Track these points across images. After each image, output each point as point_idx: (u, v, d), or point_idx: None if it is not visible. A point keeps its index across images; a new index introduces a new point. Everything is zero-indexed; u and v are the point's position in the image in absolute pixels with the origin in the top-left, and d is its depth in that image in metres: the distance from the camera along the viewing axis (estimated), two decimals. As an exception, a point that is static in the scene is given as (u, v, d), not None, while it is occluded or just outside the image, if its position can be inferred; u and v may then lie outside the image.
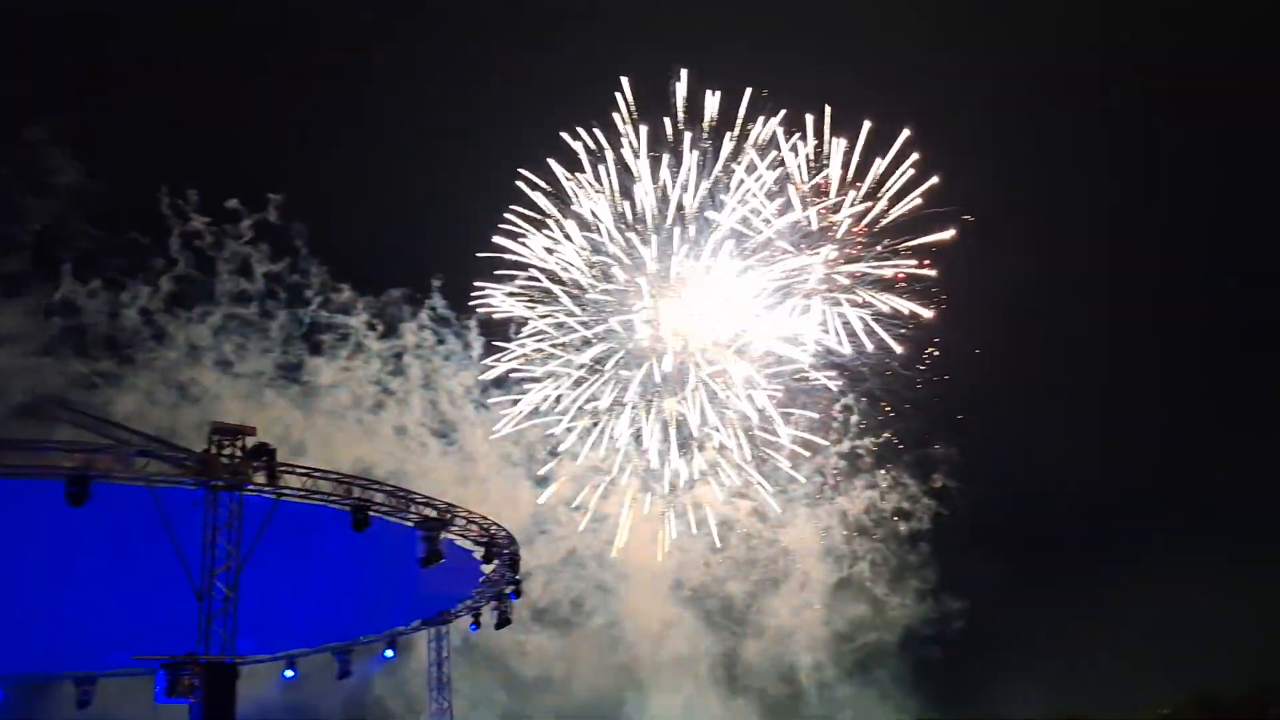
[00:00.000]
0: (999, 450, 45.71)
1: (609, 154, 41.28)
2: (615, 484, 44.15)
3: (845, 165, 41.11)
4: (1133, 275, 50.68)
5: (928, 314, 41.33)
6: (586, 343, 42.64)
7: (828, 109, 40.87)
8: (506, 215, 41.37)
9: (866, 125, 40.81)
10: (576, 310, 42.46)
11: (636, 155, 40.63)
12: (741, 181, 41.33)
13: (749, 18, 47.15)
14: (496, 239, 41.93)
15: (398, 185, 43.28)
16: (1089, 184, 50.50)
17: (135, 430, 26.17)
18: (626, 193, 41.51)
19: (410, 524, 27.19)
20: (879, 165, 40.83)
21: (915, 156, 40.50)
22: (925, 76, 46.83)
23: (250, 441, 23.93)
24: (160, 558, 23.03)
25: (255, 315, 39.57)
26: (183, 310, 38.49)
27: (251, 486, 23.94)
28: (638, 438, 43.60)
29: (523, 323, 42.72)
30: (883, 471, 45.91)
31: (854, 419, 45.13)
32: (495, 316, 42.27)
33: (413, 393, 41.58)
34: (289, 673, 34.93)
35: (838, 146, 40.96)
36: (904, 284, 41.49)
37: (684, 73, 39.88)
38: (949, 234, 40.89)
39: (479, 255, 41.62)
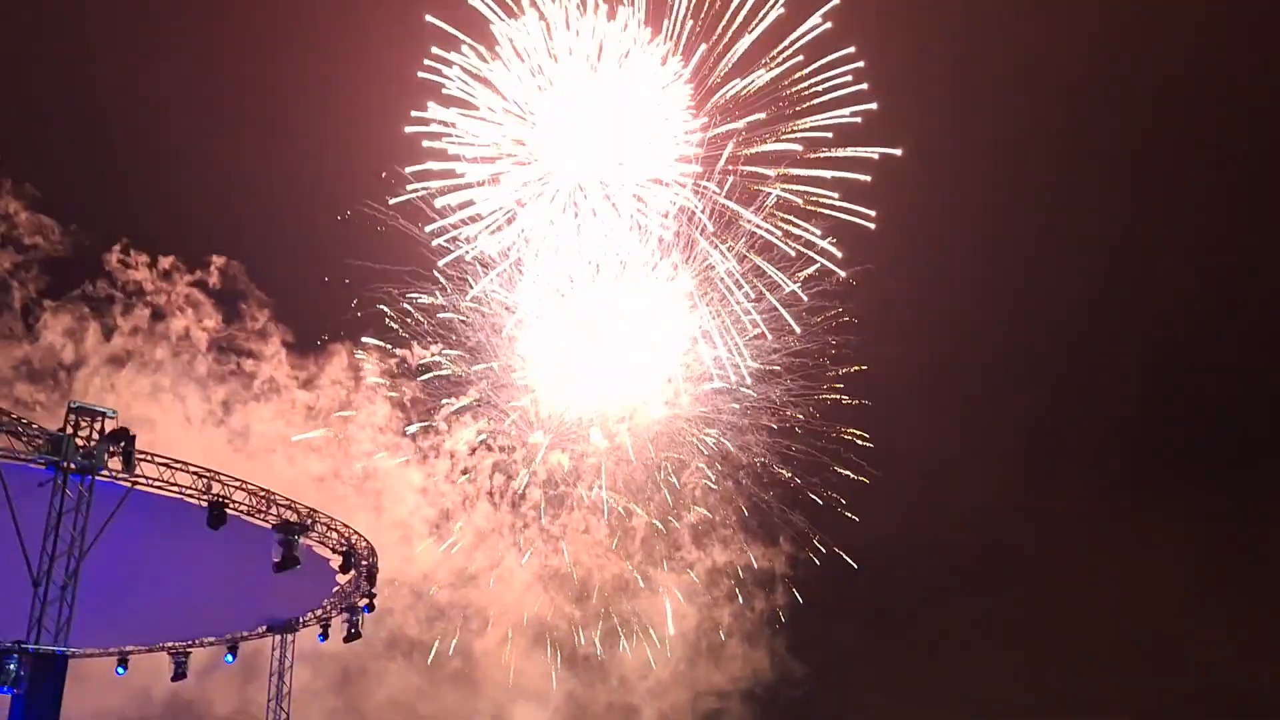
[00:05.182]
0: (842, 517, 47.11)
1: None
2: (489, 541, 45.05)
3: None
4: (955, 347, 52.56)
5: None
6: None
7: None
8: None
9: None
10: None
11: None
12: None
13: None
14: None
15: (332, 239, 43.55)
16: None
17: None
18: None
19: (268, 525, 26.57)
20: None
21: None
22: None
23: (109, 425, 22.97)
24: (-3, 537, 21.96)
25: (201, 362, 39.80)
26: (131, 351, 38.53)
27: (105, 471, 22.98)
28: (513, 501, 44.95)
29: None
30: (734, 534, 47.11)
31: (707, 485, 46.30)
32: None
33: (335, 441, 41.84)
34: (120, 670, 33.64)
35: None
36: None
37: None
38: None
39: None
